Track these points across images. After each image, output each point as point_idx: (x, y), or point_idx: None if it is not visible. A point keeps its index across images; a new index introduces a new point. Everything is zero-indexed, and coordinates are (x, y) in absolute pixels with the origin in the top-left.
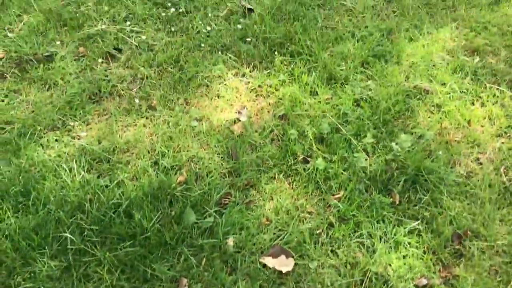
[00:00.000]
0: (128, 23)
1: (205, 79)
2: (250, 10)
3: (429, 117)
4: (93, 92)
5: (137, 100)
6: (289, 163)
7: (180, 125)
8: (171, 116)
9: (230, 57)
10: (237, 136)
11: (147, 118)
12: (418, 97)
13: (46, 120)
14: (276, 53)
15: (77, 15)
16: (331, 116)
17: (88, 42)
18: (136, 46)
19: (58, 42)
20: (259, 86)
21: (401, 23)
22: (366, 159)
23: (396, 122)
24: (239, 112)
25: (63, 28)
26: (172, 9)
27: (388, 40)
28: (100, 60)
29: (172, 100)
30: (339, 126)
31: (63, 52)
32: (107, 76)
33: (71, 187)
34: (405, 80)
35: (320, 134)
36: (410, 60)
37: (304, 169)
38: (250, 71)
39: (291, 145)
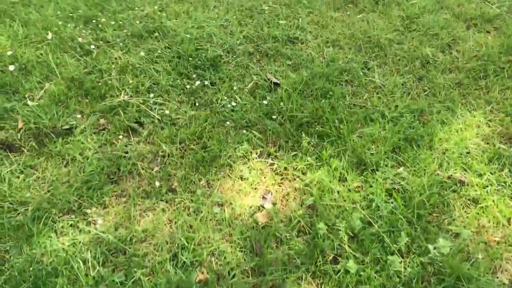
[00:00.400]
0: (151, 94)
1: (228, 158)
2: (276, 84)
3: (465, 213)
4: (112, 170)
5: (157, 183)
6: (318, 263)
7: (201, 212)
8: (192, 200)
9: (254, 135)
10: (262, 227)
11: (167, 201)
12: (453, 188)
13: (62, 201)
14: (303, 133)
15: (100, 84)
16: (362, 209)
17: (109, 114)
18: (159, 120)
19: (78, 115)
20: (285, 168)
21: (433, 104)
22: (400, 262)
23: (431, 217)
24: (263, 197)
25: (84, 98)
26: (197, 82)
27: (419, 123)
28: (121, 135)
29: (194, 182)
30: (372, 221)
31: (83, 125)
32: (127, 152)
33: (84, 283)
34: (439, 169)
35: (351, 229)
36: (443, 146)
37: (334, 271)
38: (276, 151)
39: (319, 241)
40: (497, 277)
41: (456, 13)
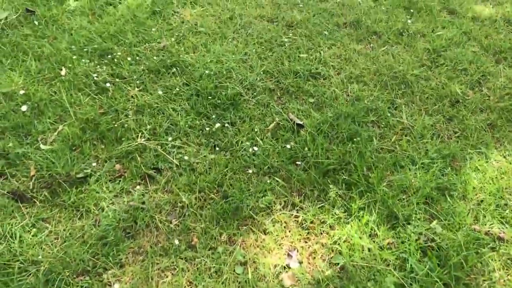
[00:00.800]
0: (169, 138)
1: (250, 210)
2: (300, 126)
3: (506, 274)
4: (128, 224)
5: (176, 242)
6: None
7: (223, 273)
8: (213, 258)
9: (278, 183)
10: None
11: (186, 260)
12: (491, 245)
13: (76, 261)
14: (329, 181)
15: (116, 126)
16: (395, 270)
17: (126, 160)
18: (177, 165)
19: (93, 161)
20: (311, 222)
21: (465, 148)
22: None
23: (469, 279)
24: (288, 255)
25: (99, 141)
26: (217, 123)
27: (452, 169)
28: (137, 183)
29: (215, 237)
30: (405, 284)
31: (98, 172)
32: (144, 203)
33: None
34: (474, 222)
35: None
36: (478, 196)
37: None
38: (301, 202)
39: None
40: None
41: (485, 46)
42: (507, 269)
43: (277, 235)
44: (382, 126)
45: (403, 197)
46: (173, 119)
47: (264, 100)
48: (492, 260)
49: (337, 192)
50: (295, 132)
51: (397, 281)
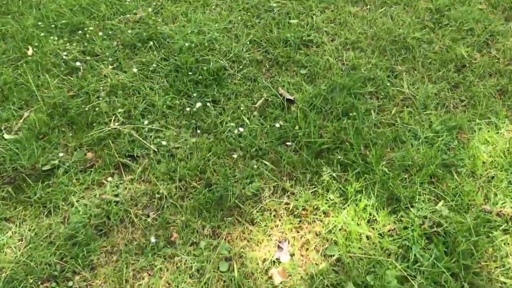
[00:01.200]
0: (146, 121)
1: (236, 198)
2: (290, 101)
3: None
4: (100, 221)
5: (153, 239)
6: None
7: (205, 271)
8: (194, 255)
9: (266, 167)
10: None
11: (165, 258)
12: (503, 227)
13: (41, 265)
14: (323, 163)
15: (86, 109)
16: (397, 260)
17: (98, 147)
18: (155, 151)
19: (61, 152)
20: (304, 209)
21: (472, 118)
22: None
23: (479, 268)
24: (279, 247)
25: (69, 128)
26: (199, 104)
27: (458, 143)
28: (111, 173)
29: (197, 231)
30: (409, 277)
31: (67, 163)
32: (117, 195)
33: None
34: (485, 202)
35: None
36: (488, 172)
37: None
38: (292, 186)
39: None
40: None
41: (492, 2)
42: None
43: (266, 225)
44: (381, 97)
45: (405, 176)
46: (150, 99)
47: (251, 73)
48: (504, 244)
49: (331, 175)
50: (285, 108)
51: (400, 274)
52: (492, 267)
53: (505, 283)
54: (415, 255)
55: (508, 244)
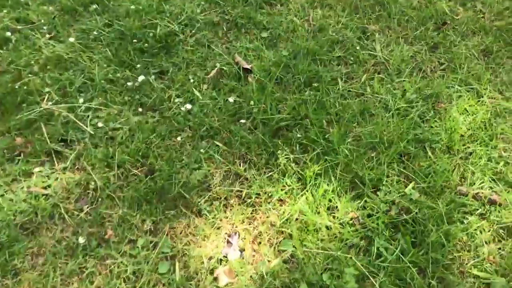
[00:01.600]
0: (81, 99)
1: (182, 187)
2: (247, 70)
3: (498, 249)
4: (27, 218)
5: (81, 240)
6: None
7: (142, 274)
8: (131, 255)
9: (218, 148)
10: None
11: (98, 259)
12: (480, 211)
13: None
14: (280, 143)
15: (16, 87)
16: (358, 254)
17: (27, 131)
18: (91, 134)
19: None
20: (257, 195)
21: (452, 84)
22: None
23: (450, 260)
24: (228, 242)
25: None
26: (141, 77)
27: (435, 114)
28: (41, 162)
29: (136, 227)
30: (370, 275)
31: None
32: (48, 187)
33: None
34: (461, 182)
35: None
36: (466, 148)
37: None
38: (245, 171)
39: None
40: None
41: None
42: (498, 241)
43: (214, 217)
44: (350, 62)
45: (372, 155)
46: (89, 73)
47: (205, 38)
48: (480, 232)
49: (288, 157)
50: (241, 79)
51: (360, 272)
52: (466, 258)
53: (478, 276)
54: (378, 248)
55: (484, 230)
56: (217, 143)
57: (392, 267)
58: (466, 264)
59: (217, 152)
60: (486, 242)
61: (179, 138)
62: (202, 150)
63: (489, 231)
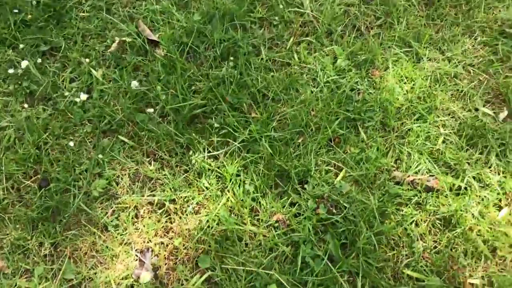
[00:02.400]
0: None
1: (83, 199)
2: (154, 43)
3: (435, 243)
4: None
5: None
6: None
7: None
8: None
9: (123, 144)
10: None
11: None
12: (415, 200)
13: None
14: (195, 135)
15: None
16: (283, 268)
17: None
18: None
19: None
20: (172, 201)
21: (388, 43)
22: None
23: (383, 260)
24: (139, 260)
25: None
26: (25, 62)
27: (369, 83)
28: None
29: (32, 252)
30: None
31: None
32: None
33: None
34: (395, 166)
35: None
36: (403, 123)
37: None
38: (157, 171)
39: None
40: None
41: None
42: (434, 234)
43: (123, 232)
44: (275, 23)
45: (299, 141)
46: None
47: (103, 1)
48: (416, 224)
49: (205, 150)
50: (148, 54)
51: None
52: (400, 256)
53: (411, 277)
54: (304, 258)
55: (421, 221)
56: (122, 138)
57: (319, 281)
58: (400, 263)
59: (123, 150)
60: (421, 236)
61: (76, 136)
62: (104, 148)
63: (425, 222)
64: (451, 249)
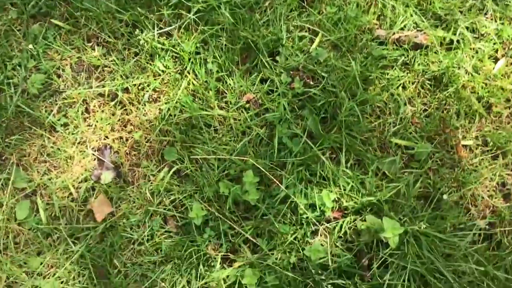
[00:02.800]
0: None
1: (21, 100)
2: None
3: (423, 104)
4: None
5: None
6: None
7: None
8: None
9: (57, 29)
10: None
11: None
12: (402, 61)
13: None
14: (141, 10)
15: None
16: (258, 152)
17: None
18: None
19: None
20: (125, 89)
21: None
22: None
23: (369, 130)
24: (98, 159)
25: None
26: None
27: None
28: None
29: None
30: (273, 178)
31: None
32: None
33: None
34: (378, 25)
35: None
36: None
37: None
38: (102, 56)
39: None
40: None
41: None
42: (424, 96)
43: (74, 130)
44: None
45: (265, 5)
46: None
47: None
48: (404, 88)
49: (155, 26)
50: None
51: (261, 174)
52: (386, 124)
53: (400, 146)
54: (281, 138)
55: (409, 83)
56: (55, 22)
57: (299, 160)
58: (387, 132)
59: (59, 36)
60: (410, 100)
61: (0, 24)
62: (35, 36)
63: (413, 84)
64: (442, 111)
